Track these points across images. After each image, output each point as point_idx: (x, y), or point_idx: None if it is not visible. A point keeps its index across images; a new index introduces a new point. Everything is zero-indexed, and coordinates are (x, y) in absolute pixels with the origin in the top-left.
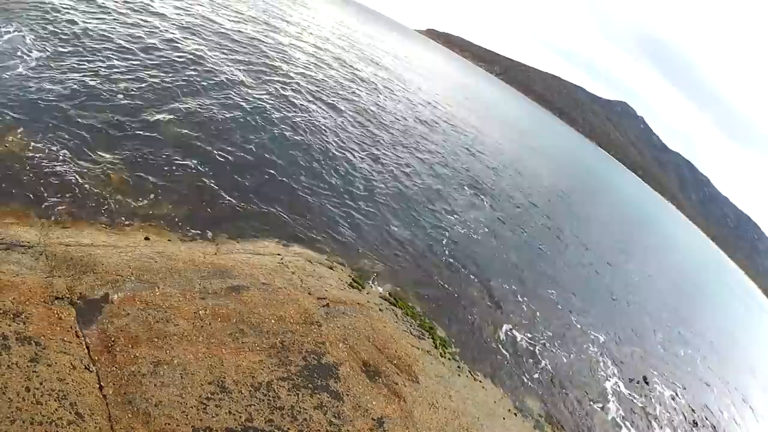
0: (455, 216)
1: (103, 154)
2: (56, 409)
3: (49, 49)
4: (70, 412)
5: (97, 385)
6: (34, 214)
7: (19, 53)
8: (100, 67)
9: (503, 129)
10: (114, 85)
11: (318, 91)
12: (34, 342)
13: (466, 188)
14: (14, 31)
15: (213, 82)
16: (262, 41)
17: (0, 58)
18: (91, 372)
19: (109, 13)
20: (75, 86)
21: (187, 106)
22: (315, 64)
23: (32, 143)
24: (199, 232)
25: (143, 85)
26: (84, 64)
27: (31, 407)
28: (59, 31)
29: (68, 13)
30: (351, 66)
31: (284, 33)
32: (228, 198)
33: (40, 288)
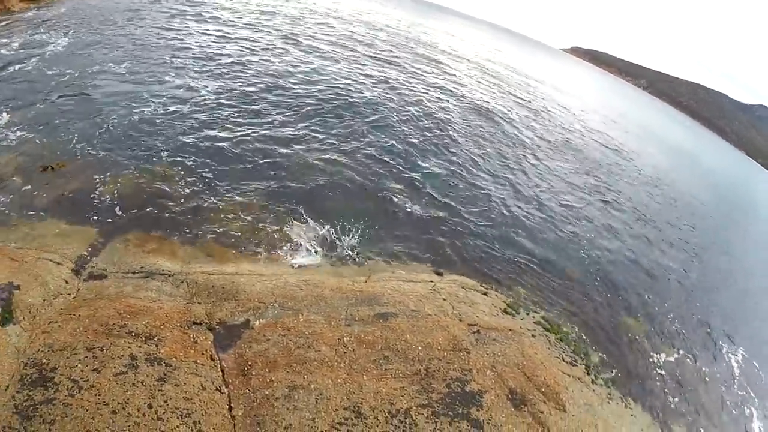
0: (609, 239)
1: (250, 186)
2: (177, 426)
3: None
4: (192, 430)
5: (227, 406)
6: (179, 243)
7: (194, 95)
8: (263, 105)
9: (658, 148)
10: (264, 120)
11: (482, 115)
12: (164, 363)
13: (621, 216)
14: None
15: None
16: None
17: (172, 97)
18: (222, 393)
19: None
20: (228, 123)
21: (327, 137)
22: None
23: (179, 175)
24: (349, 260)
25: (290, 118)
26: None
27: (150, 422)
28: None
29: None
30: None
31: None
32: (382, 225)
33: (177, 313)
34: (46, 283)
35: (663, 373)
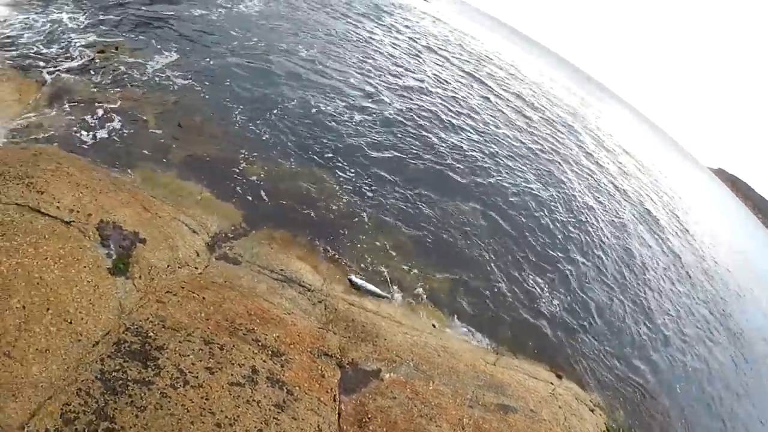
0: (710, 383)
1: (406, 222)
2: None
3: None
4: None
5: None
6: (323, 258)
7: (375, 107)
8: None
9: None
10: (438, 156)
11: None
12: (285, 388)
13: (724, 363)
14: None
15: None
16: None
17: (352, 102)
18: None
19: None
20: (403, 146)
21: (489, 197)
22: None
23: (337, 183)
24: (482, 334)
25: (460, 163)
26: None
27: None
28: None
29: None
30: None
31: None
32: (518, 308)
33: (310, 336)
34: (175, 247)
35: None
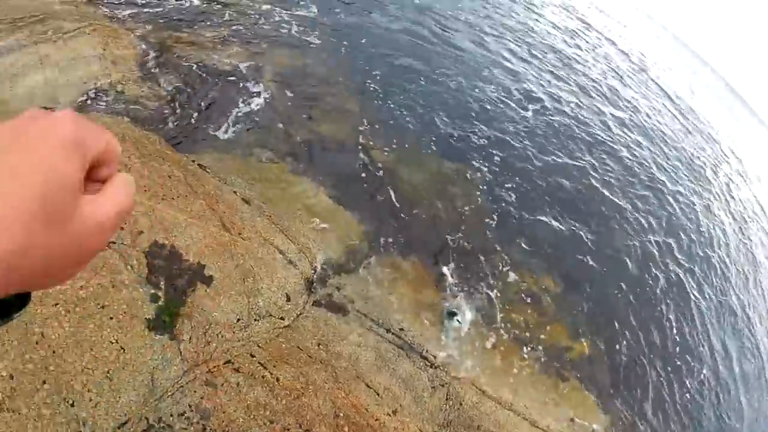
0: None
1: (562, 262)
2: None
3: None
4: None
5: None
6: (458, 319)
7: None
8: None
9: None
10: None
11: None
12: None
13: None
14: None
15: None
16: None
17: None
18: None
19: None
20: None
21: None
22: None
23: (489, 204)
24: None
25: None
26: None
27: None
28: None
29: None
30: None
31: None
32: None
33: None
34: (256, 291)
35: None
